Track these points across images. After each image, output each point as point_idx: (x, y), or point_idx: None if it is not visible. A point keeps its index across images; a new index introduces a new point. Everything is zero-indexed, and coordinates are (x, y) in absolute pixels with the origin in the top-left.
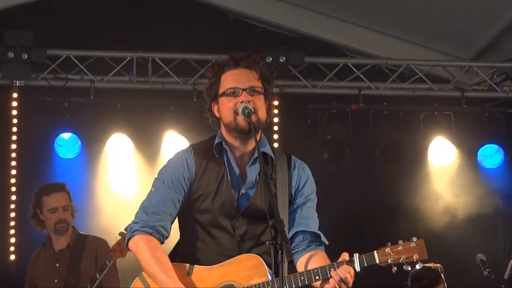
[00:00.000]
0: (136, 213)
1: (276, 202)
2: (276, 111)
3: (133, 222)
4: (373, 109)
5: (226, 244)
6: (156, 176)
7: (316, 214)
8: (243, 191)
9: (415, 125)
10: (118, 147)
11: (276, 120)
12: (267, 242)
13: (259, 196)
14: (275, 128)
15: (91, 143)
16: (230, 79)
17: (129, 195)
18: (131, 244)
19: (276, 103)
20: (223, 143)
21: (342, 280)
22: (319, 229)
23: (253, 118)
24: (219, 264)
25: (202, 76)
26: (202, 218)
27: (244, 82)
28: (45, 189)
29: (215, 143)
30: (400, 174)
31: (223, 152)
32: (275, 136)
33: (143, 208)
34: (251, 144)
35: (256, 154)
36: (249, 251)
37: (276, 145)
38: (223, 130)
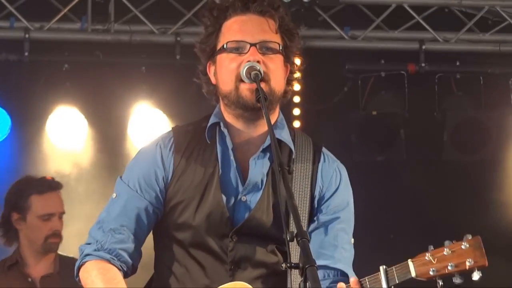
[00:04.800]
0: (90, 229)
1: (296, 207)
2: (297, 74)
3: (86, 243)
4: (441, 72)
5: (214, 273)
6: (121, 175)
7: (352, 241)
8: (242, 197)
9: (502, 95)
10: (64, 127)
11: (297, 87)
12: (283, 265)
13: (265, 206)
14: (296, 99)
15: (26, 120)
16: (235, 28)
17: (82, 199)
18: (82, 274)
19: (297, 62)
20: (221, 124)
21: None
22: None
23: (263, 86)
24: None
25: (188, 23)
26: (181, 236)
27: (253, 33)
28: (35, 185)
29: (209, 123)
30: (480, 166)
31: (218, 138)
32: (296, 111)
33: (100, 222)
34: (261, 127)
35: (266, 143)
36: (249, 283)
37: (297, 124)
38: (222, 107)
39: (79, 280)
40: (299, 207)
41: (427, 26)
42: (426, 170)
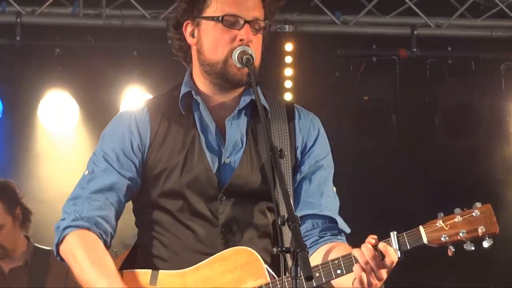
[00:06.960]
0: (63, 206)
1: (290, 191)
2: (289, 60)
3: (60, 220)
4: (432, 57)
5: (205, 237)
6: (93, 151)
7: (335, 189)
8: (225, 159)
9: (493, 80)
10: (56, 111)
11: (289, 72)
12: (274, 250)
13: (249, 163)
14: (287, 84)
15: (18, 104)
16: None
17: (73, 184)
18: (63, 249)
19: (289, 47)
20: (193, 93)
21: (372, 268)
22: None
23: None
24: (195, 265)
25: None
26: (167, 203)
27: (248, 9)
28: None
29: (180, 94)
30: (471, 151)
31: (193, 105)
32: (288, 96)
33: (73, 199)
34: (234, 93)
35: (241, 104)
36: (241, 245)
37: None
38: (196, 71)
39: (61, 259)
40: (283, 169)
41: (418, 11)
42: (417, 155)
